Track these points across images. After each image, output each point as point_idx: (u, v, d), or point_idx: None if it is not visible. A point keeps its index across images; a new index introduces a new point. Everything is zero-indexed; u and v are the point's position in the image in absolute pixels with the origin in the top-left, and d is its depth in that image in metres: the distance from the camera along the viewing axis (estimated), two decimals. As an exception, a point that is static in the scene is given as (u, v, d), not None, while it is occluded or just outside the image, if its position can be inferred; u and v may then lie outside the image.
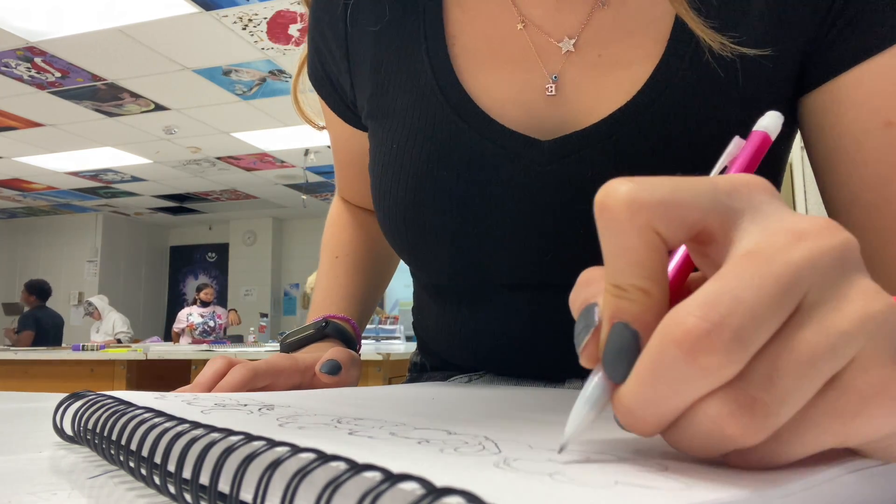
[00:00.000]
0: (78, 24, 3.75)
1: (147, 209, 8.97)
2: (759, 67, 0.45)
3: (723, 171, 0.25)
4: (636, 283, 0.20)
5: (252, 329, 6.41)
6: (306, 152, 6.20)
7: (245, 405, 0.34)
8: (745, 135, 0.25)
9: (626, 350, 0.20)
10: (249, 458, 0.21)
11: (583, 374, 0.55)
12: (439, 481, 0.16)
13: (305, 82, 0.67)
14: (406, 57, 0.54)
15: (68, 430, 0.33)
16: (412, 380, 0.70)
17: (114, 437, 0.28)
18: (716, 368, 0.18)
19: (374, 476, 0.17)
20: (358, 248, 0.75)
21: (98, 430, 0.29)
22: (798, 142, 0.54)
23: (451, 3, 0.54)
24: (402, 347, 3.61)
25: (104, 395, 0.33)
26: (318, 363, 0.52)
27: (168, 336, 7.72)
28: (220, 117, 5.33)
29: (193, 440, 0.23)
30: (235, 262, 9.71)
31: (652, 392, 0.19)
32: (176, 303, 9.78)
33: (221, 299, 8.10)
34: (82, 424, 0.31)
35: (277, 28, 3.84)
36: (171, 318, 7.06)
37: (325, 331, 0.63)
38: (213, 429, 0.24)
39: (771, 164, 0.50)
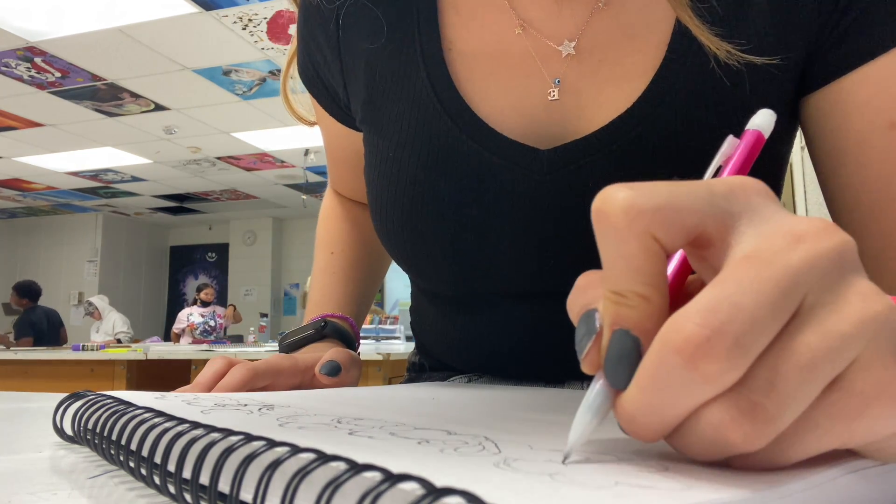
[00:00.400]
0: (78, 24, 3.75)
1: (147, 209, 8.97)
2: (765, 73, 0.45)
3: (717, 171, 0.25)
4: (636, 290, 0.20)
5: (252, 329, 6.42)
6: (306, 152, 6.20)
7: (245, 405, 0.34)
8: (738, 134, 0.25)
9: (627, 357, 0.20)
10: (249, 459, 0.21)
11: (582, 377, 0.55)
12: (439, 481, 0.16)
13: (296, 79, 0.66)
14: (401, 62, 0.53)
15: (68, 430, 0.33)
16: (411, 380, 0.70)
17: (114, 437, 0.28)
18: (717, 375, 0.18)
19: (374, 476, 0.17)
20: (353, 244, 0.74)
21: (98, 430, 0.29)
22: (798, 141, 0.54)
23: (446, 7, 0.53)
24: (402, 347, 3.61)
25: (104, 395, 0.33)
26: (318, 364, 0.52)
27: (168, 337, 7.72)
28: (220, 117, 5.33)
29: (193, 440, 0.23)
30: (235, 262, 9.71)
31: (653, 399, 0.19)
32: (176, 303, 9.78)
33: (221, 299, 8.10)
34: (82, 424, 0.31)
35: (277, 28, 3.84)
36: (171, 318, 7.06)
37: (323, 331, 0.63)
38: (213, 429, 0.24)
39: (772, 164, 0.50)
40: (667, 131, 0.46)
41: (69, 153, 6.22)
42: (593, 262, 0.21)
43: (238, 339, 6.37)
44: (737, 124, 0.45)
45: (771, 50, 0.45)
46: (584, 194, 0.48)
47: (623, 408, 0.20)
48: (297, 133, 5.58)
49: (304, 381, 0.52)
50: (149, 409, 0.28)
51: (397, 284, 7.52)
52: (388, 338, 4.84)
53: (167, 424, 0.26)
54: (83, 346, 3.65)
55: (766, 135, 0.24)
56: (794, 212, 2.55)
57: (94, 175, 7.08)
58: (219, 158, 6.54)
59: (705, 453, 0.19)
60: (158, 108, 5.12)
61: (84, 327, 7.72)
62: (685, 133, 0.46)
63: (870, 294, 0.19)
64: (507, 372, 0.58)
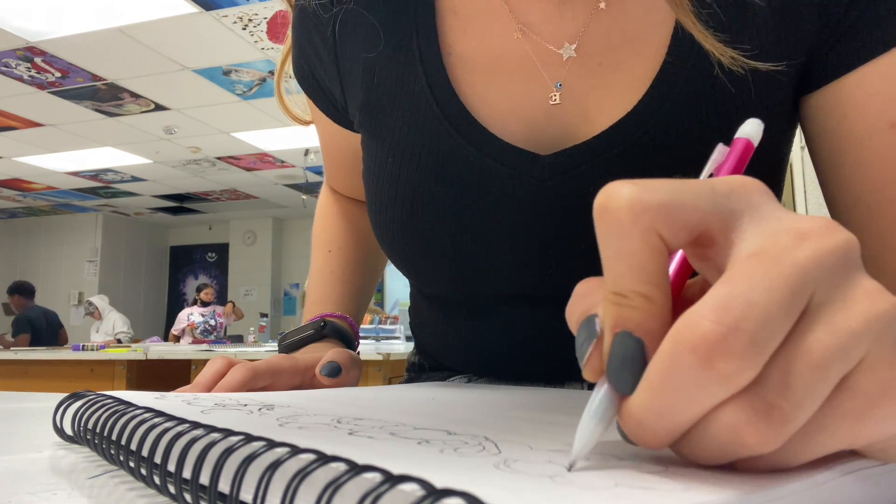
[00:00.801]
0: (78, 24, 3.75)
1: (147, 209, 8.97)
2: (768, 77, 0.45)
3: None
4: (638, 289, 0.19)
5: (252, 329, 6.42)
6: (306, 152, 6.20)
7: (245, 405, 0.34)
8: (727, 141, 0.25)
9: (631, 360, 0.19)
10: (249, 459, 0.21)
11: (582, 378, 0.55)
12: (439, 482, 0.16)
13: (290, 79, 0.65)
14: (399, 67, 0.52)
15: (68, 430, 0.33)
16: (410, 379, 0.70)
17: (114, 437, 0.28)
18: (733, 374, 0.17)
19: (374, 477, 0.17)
20: (350, 242, 0.74)
21: (98, 430, 0.29)
22: (798, 141, 0.54)
23: (445, 10, 0.52)
24: (402, 347, 3.61)
25: (104, 395, 0.33)
26: (318, 365, 0.52)
27: (167, 338, 7.72)
28: (220, 117, 5.33)
29: (193, 440, 0.23)
30: (235, 262, 9.71)
31: (665, 401, 0.18)
32: (176, 303, 9.78)
33: (221, 299, 8.10)
34: (82, 424, 0.31)
35: (277, 28, 3.84)
36: (171, 318, 7.07)
37: (323, 331, 0.63)
38: (213, 429, 0.24)
39: (772, 164, 0.49)
40: (668, 134, 0.45)
41: (69, 153, 6.22)
42: (594, 266, 0.21)
43: (238, 339, 6.37)
44: (738, 126, 0.45)
45: (774, 56, 0.44)
46: (585, 199, 0.48)
47: (630, 413, 0.19)
48: (297, 133, 5.58)
49: (304, 381, 0.52)
50: (149, 409, 0.28)
51: (397, 284, 7.52)
52: (388, 338, 4.84)
53: (167, 424, 0.26)
54: (83, 346, 3.65)
55: (756, 143, 0.24)
56: (794, 212, 2.55)
57: (94, 175, 7.08)
58: (219, 158, 6.54)
59: (715, 457, 0.19)
60: (158, 108, 5.12)
61: (84, 327, 7.72)
62: (686, 136, 0.45)
63: (875, 292, 0.19)
64: (506, 373, 0.58)
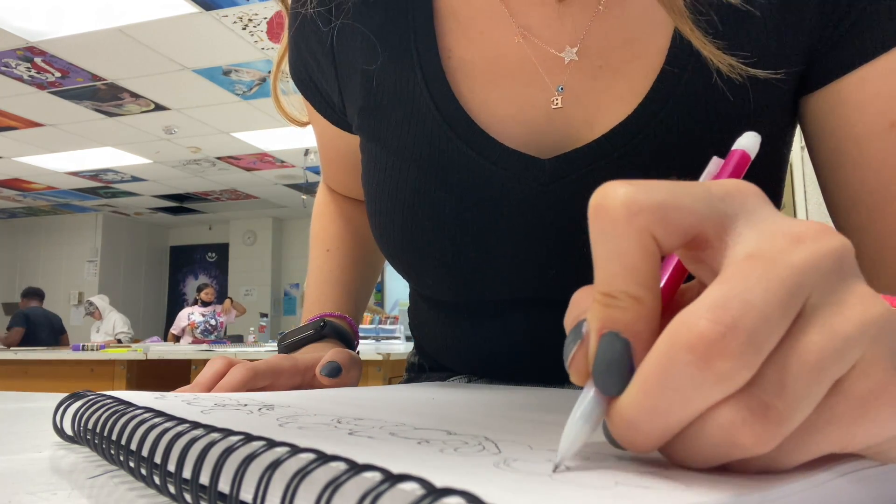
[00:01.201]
0: (78, 24, 3.75)
1: (147, 209, 8.98)
2: (767, 82, 0.44)
3: None
4: (628, 290, 0.19)
5: (252, 329, 6.42)
6: (306, 152, 6.20)
7: (245, 405, 0.34)
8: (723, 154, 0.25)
9: (617, 361, 0.19)
10: (249, 459, 0.21)
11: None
12: (439, 482, 0.16)
13: (286, 80, 0.64)
14: (398, 70, 0.52)
15: (68, 430, 0.33)
16: (410, 380, 0.70)
17: (114, 437, 0.28)
18: (730, 374, 0.17)
19: (374, 476, 0.17)
20: (349, 241, 0.74)
21: (98, 430, 0.29)
22: (798, 141, 0.54)
23: (444, 13, 0.52)
24: (402, 347, 3.61)
25: (104, 395, 0.33)
26: (318, 365, 0.52)
27: (167, 337, 7.73)
28: (220, 117, 5.33)
29: (193, 440, 0.23)
30: (235, 262, 9.71)
31: (659, 401, 0.18)
32: (176, 303, 9.78)
33: (221, 299, 8.09)
34: (82, 424, 0.31)
35: (277, 28, 3.84)
36: (171, 318, 7.07)
37: (323, 331, 0.63)
38: (213, 429, 0.24)
39: (773, 165, 0.49)
40: (668, 137, 0.45)
41: (69, 153, 6.22)
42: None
43: (238, 339, 6.38)
44: (738, 129, 0.45)
45: (773, 62, 0.44)
46: (585, 202, 0.47)
47: (620, 414, 0.19)
48: (297, 133, 5.57)
49: (304, 381, 0.52)
50: (149, 409, 0.28)
51: (397, 284, 7.51)
52: (388, 338, 4.84)
53: (167, 424, 0.26)
54: (83, 346, 3.65)
55: (752, 155, 0.24)
56: (794, 212, 2.55)
57: (94, 175, 7.08)
58: (219, 158, 6.54)
59: (708, 459, 0.19)
60: (158, 108, 5.12)
61: (84, 327, 7.72)
62: (687, 138, 0.45)
63: (869, 297, 0.19)
64: (506, 374, 0.58)
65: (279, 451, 0.20)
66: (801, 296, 0.18)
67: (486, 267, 0.50)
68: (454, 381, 0.61)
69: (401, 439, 0.24)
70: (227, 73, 4.48)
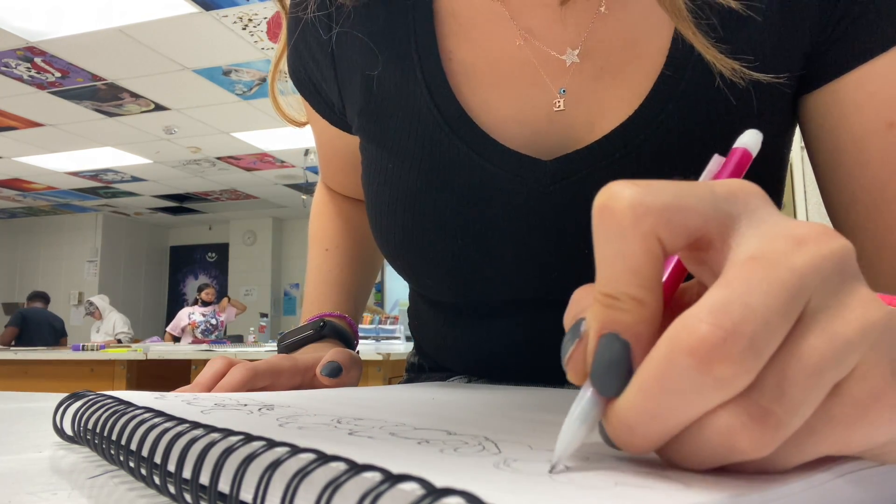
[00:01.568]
0: (78, 24, 3.75)
1: (147, 209, 8.97)
2: (768, 84, 0.44)
3: None
4: (630, 292, 0.19)
5: (252, 329, 6.42)
6: (306, 152, 6.20)
7: (245, 405, 0.34)
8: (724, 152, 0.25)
9: (617, 362, 0.19)
10: (249, 459, 0.21)
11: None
12: (439, 482, 0.16)
13: (284, 80, 0.64)
14: (399, 72, 0.51)
15: (68, 430, 0.33)
16: (410, 380, 0.70)
17: (114, 437, 0.28)
18: (730, 378, 0.17)
19: (374, 476, 0.17)
20: (348, 241, 0.74)
21: (98, 430, 0.29)
22: (798, 141, 0.54)
23: (444, 14, 0.51)
24: (402, 347, 3.61)
25: (104, 395, 0.33)
26: (318, 365, 0.52)
27: (165, 337, 7.73)
28: (220, 117, 5.33)
29: (193, 440, 0.23)
30: (235, 262, 9.71)
31: (658, 405, 0.18)
32: (176, 303, 9.78)
33: (221, 299, 8.10)
34: (82, 424, 0.31)
35: (277, 28, 3.83)
36: (171, 318, 7.07)
37: (322, 331, 0.63)
38: (213, 429, 0.24)
39: (773, 165, 0.49)
40: (669, 137, 0.45)
41: (69, 153, 6.22)
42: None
43: (238, 339, 6.37)
44: (739, 130, 0.45)
45: (775, 67, 0.44)
46: (587, 204, 0.47)
47: (618, 416, 0.19)
48: (297, 133, 5.57)
49: (304, 381, 0.52)
50: (149, 409, 0.28)
51: (397, 284, 7.51)
52: (388, 338, 4.84)
53: (167, 424, 0.26)
54: (83, 346, 3.65)
55: (754, 153, 0.24)
56: (794, 212, 2.55)
57: (94, 175, 7.08)
58: (219, 158, 6.54)
59: (705, 461, 0.19)
60: (158, 108, 5.12)
61: (84, 327, 7.73)
62: (688, 138, 0.45)
63: (869, 300, 0.19)
64: (506, 375, 0.58)
65: (279, 452, 0.20)
66: (802, 299, 0.18)
67: (487, 268, 0.50)
68: (454, 381, 0.61)
69: (401, 439, 0.24)
70: (227, 73, 4.48)
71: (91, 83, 4.62)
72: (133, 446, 0.26)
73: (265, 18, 3.73)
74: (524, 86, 0.49)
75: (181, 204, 8.70)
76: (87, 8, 3.56)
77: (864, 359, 0.18)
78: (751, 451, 0.18)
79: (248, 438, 0.22)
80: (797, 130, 0.52)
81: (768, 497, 0.17)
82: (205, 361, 1.29)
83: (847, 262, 0.19)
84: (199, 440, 0.23)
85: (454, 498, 0.15)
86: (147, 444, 0.25)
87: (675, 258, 0.22)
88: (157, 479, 0.24)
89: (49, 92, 4.75)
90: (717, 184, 0.21)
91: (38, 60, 4.23)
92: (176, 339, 6.52)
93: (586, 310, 0.21)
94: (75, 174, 7.00)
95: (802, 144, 0.50)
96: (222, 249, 9.94)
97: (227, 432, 0.23)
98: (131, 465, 0.26)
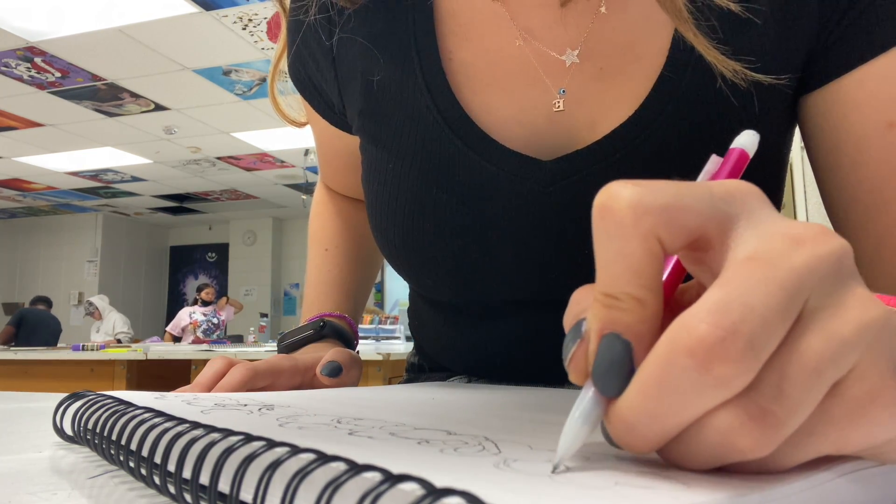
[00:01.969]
0: (78, 24, 3.75)
1: (147, 209, 8.98)
2: (769, 85, 0.44)
3: None
4: (631, 292, 0.19)
5: (252, 329, 6.42)
6: (306, 152, 6.20)
7: (245, 405, 0.34)
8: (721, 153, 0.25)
9: (618, 362, 0.19)
10: (249, 459, 0.21)
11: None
12: (439, 482, 0.16)
13: (284, 80, 0.64)
14: (399, 72, 0.51)
15: (68, 430, 0.33)
16: (410, 380, 0.70)
17: (114, 437, 0.28)
18: (730, 378, 0.17)
19: (374, 476, 0.17)
20: (347, 241, 0.74)
21: (98, 430, 0.29)
22: (798, 141, 0.54)
23: (444, 15, 0.51)
24: (402, 347, 3.61)
25: (104, 395, 0.33)
26: (318, 365, 0.52)
27: (165, 336, 7.73)
28: (220, 117, 5.33)
29: (193, 440, 0.23)
30: (235, 262, 9.72)
31: (659, 405, 0.18)
32: (176, 303, 9.78)
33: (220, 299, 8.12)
34: (82, 424, 0.31)
35: (277, 28, 3.83)
36: (171, 318, 7.07)
37: (322, 331, 0.63)
38: (213, 429, 0.24)
39: (773, 164, 0.49)
40: (669, 138, 0.45)
41: (69, 153, 6.23)
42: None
43: (238, 339, 6.38)
44: (739, 130, 0.45)
45: (775, 68, 0.44)
46: (587, 204, 0.47)
47: (619, 416, 0.19)
48: (297, 133, 5.57)
49: (304, 381, 0.52)
50: (149, 409, 0.28)
51: (397, 284, 7.51)
52: (388, 338, 4.84)
53: (167, 424, 0.26)
54: (83, 346, 3.65)
55: (751, 154, 0.24)
56: (794, 212, 2.55)
57: (94, 175, 7.08)
58: (219, 158, 6.54)
59: (705, 461, 0.19)
60: (158, 108, 5.12)
61: (84, 327, 7.73)
62: (688, 139, 0.45)
63: (867, 300, 0.19)
64: (506, 375, 0.58)
65: (279, 452, 0.20)
66: (801, 299, 0.18)
67: (487, 268, 0.50)
68: (454, 381, 0.61)
69: (401, 439, 0.24)
70: (226, 73, 4.48)
71: (91, 83, 4.62)
72: (133, 446, 0.26)
73: (265, 18, 3.73)
74: (524, 86, 0.49)
75: (181, 204, 8.70)
76: (87, 8, 3.56)
77: (862, 358, 0.18)
78: (750, 451, 0.18)
79: (248, 438, 0.22)
80: (797, 130, 0.52)
81: (768, 497, 0.17)
82: (205, 361, 1.29)
83: (844, 262, 0.19)
84: (199, 440, 0.23)
85: (454, 498, 0.15)
86: (147, 444, 0.25)
87: (675, 258, 0.22)
88: (157, 479, 0.24)
89: (49, 92, 4.75)
90: (715, 184, 0.21)
91: (38, 60, 4.23)
92: (176, 339, 6.52)
93: (587, 310, 0.21)
94: (75, 174, 7.00)
95: (802, 144, 0.50)
96: (222, 249, 9.94)
97: (227, 432, 0.23)
98: (131, 465, 0.26)
